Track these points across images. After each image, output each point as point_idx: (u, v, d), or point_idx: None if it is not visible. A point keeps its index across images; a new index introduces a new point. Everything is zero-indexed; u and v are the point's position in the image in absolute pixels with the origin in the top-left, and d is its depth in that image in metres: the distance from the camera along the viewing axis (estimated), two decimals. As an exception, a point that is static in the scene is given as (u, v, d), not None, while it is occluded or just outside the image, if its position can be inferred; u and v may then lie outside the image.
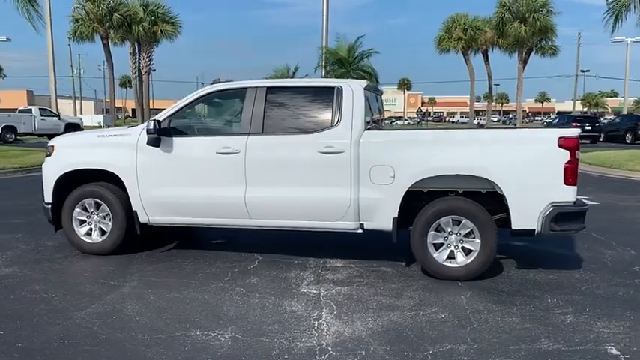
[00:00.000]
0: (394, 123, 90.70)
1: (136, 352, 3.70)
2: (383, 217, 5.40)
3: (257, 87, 5.80)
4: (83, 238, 6.17)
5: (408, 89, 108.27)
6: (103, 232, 6.13)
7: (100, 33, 31.22)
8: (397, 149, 5.38)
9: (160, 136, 5.76)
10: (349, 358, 3.61)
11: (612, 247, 6.57)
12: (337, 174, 5.42)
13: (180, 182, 5.83)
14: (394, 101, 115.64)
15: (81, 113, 54.71)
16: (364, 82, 5.67)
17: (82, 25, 30.56)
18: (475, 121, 61.76)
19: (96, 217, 6.14)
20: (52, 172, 6.20)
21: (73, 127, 34.32)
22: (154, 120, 5.74)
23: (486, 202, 5.33)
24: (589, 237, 7.09)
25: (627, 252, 6.37)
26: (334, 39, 21.32)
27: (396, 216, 5.35)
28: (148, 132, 5.67)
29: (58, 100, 78.77)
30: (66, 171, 6.13)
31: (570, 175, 5.01)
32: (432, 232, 5.29)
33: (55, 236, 6.54)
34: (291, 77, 19.15)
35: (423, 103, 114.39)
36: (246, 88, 5.84)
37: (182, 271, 5.59)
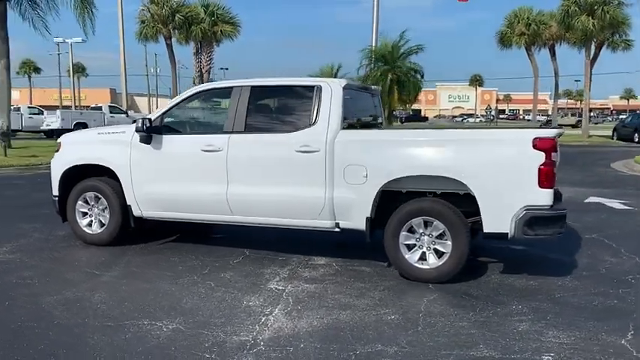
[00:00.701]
0: (465, 120, 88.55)
1: (79, 336, 3.92)
2: (357, 217, 5.38)
3: (242, 86, 5.92)
4: (85, 229, 6.54)
5: (479, 85, 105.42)
6: (102, 224, 6.47)
7: (164, 33, 32.54)
8: (370, 149, 5.35)
9: (150, 133, 6.01)
10: (275, 354, 3.66)
11: (618, 255, 6.20)
12: (313, 173, 5.45)
13: (169, 178, 6.06)
14: (467, 98, 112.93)
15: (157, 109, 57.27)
16: (344, 82, 5.66)
17: (146, 27, 31.96)
18: (542, 119, 59.35)
19: (96, 209, 6.49)
20: (58, 166, 6.61)
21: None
22: (144, 118, 5.99)
23: (463, 204, 5.19)
24: (599, 243, 6.76)
25: (632, 260, 6.00)
26: (393, 36, 21.03)
27: (369, 216, 5.32)
28: (137, 130, 5.94)
29: (137, 97, 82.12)
30: (69, 166, 6.52)
31: (545, 178, 4.80)
32: (404, 232, 5.22)
33: (67, 227, 6.95)
34: (335, 76, 19.16)
35: (497, 100, 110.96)
36: (232, 87, 5.98)
37: (165, 264, 5.82)
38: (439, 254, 5.15)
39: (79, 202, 6.53)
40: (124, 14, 31.07)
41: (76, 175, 6.55)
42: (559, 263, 5.91)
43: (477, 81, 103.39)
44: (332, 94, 5.51)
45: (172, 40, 33.01)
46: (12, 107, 21.58)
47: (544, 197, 4.83)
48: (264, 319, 4.29)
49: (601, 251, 6.36)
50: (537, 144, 4.78)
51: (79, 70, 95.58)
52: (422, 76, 19.77)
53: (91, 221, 6.53)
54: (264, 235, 6.85)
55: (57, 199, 6.65)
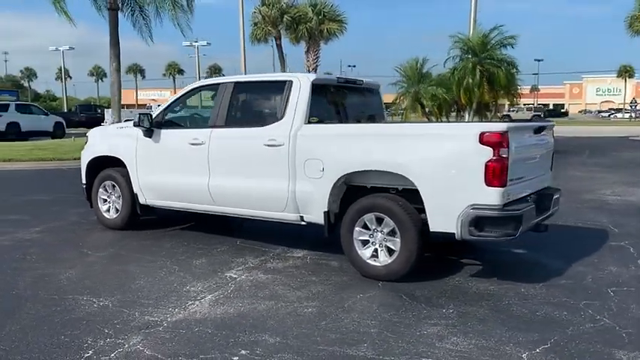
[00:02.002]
0: (612, 116, 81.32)
1: (19, 305, 4.43)
2: (317, 210, 5.40)
3: (227, 82, 6.18)
4: (104, 214, 7.23)
5: (630, 77, 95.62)
6: (117, 210, 7.11)
7: (274, 34, 33.87)
8: (325, 143, 5.34)
9: (150, 128, 6.49)
10: (165, 334, 3.86)
11: (628, 265, 5.53)
12: (278, 166, 5.55)
13: (165, 169, 6.50)
14: (618, 91, 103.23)
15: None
16: (313, 76, 5.67)
17: (257, 29, 33.47)
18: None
19: (113, 197, 7.14)
20: (85, 158, 7.37)
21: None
22: (142, 114, 6.50)
23: (420, 201, 4.99)
24: (620, 251, 6.12)
25: (635, 272, 5.34)
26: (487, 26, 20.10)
27: (327, 210, 5.32)
28: (134, 125, 6.45)
29: None
30: (92, 157, 7.24)
31: (493, 175, 4.47)
32: (357, 228, 5.15)
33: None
34: (419, 70, 18.71)
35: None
36: (219, 83, 6.27)
37: (154, 248, 6.25)
38: (390, 252, 5.01)
39: (100, 190, 7.22)
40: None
41: (100, 165, 7.24)
42: (546, 269, 5.43)
43: (626, 72, 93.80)
44: (300, 89, 5.56)
45: (281, 40, 34.20)
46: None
47: (491, 196, 4.50)
48: (190, 303, 4.51)
49: (612, 260, 5.72)
50: (484, 139, 4.47)
51: (216, 71, 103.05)
52: (517, 70, 18.59)
53: (109, 207, 7.19)
54: (271, 228, 7.02)
55: (85, 186, 7.41)
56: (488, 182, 4.48)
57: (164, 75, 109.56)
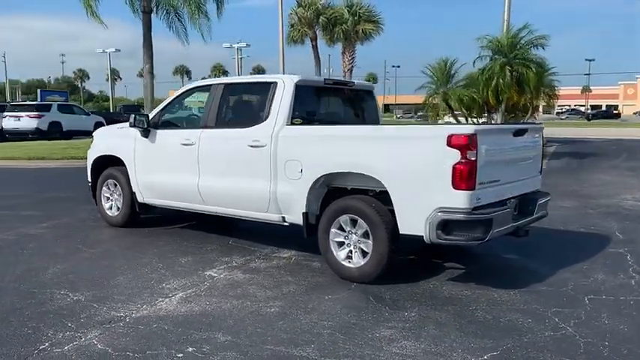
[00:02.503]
0: None
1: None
2: (296, 212, 5.43)
3: (218, 84, 6.29)
4: (107, 212, 7.46)
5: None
6: (118, 208, 7.33)
7: (309, 35, 33.98)
8: (304, 144, 5.36)
9: (146, 128, 6.67)
10: (123, 330, 3.96)
11: (618, 273, 5.34)
12: (261, 167, 5.61)
13: (160, 169, 6.67)
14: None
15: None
16: (297, 77, 5.69)
17: (294, 30, 33.64)
18: None
19: (115, 195, 7.37)
20: (90, 157, 7.64)
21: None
22: (137, 114, 6.68)
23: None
24: (616, 258, 5.93)
25: (628, 280, 5.14)
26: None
27: (305, 211, 5.34)
28: (130, 125, 6.64)
29: None
30: (96, 156, 7.49)
31: (460, 178, 4.40)
32: (333, 229, 5.15)
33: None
34: (447, 69, 18.37)
35: None
36: (211, 85, 6.39)
37: (147, 246, 6.42)
38: (364, 254, 4.99)
39: (104, 189, 7.46)
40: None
41: (103, 164, 7.48)
42: (530, 275, 5.29)
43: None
44: (283, 90, 5.60)
45: (317, 41, 34.27)
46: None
47: (459, 199, 4.43)
48: (159, 300, 4.62)
49: (603, 267, 5.53)
50: (452, 141, 4.40)
51: (259, 72, 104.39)
52: (546, 71, 18.03)
53: (112, 205, 7.42)
54: (265, 228, 7.06)
55: (90, 185, 7.67)
56: (456, 185, 4.41)
57: (209, 76, 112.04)
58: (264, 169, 5.57)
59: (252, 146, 5.64)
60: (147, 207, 7.09)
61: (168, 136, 6.59)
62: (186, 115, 7.03)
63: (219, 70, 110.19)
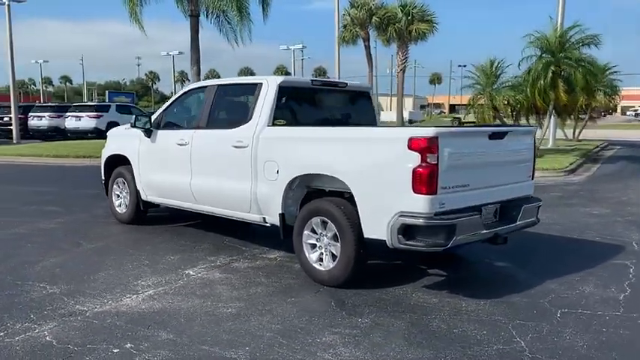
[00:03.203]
0: None
1: (-19, 288, 4.92)
2: (274, 212, 5.43)
3: (212, 85, 6.39)
4: (117, 209, 7.74)
5: None
6: (126, 206, 7.59)
7: (362, 36, 33.88)
8: (280, 145, 5.35)
9: (148, 128, 6.87)
10: (78, 324, 4.09)
11: (609, 287, 5.01)
12: (243, 167, 5.65)
13: (158, 168, 6.85)
14: None
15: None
16: (281, 79, 5.68)
17: (346, 31, 33.63)
18: None
19: (124, 192, 7.63)
20: (103, 156, 7.94)
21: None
22: (138, 115, 6.89)
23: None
24: (618, 270, 5.54)
25: (614, 294, 4.81)
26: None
27: (281, 212, 5.33)
28: (131, 125, 6.85)
29: (381, 97, 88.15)
30: (107, 155, 7.78)
31: (420, 182, 4.25)
32: (306, 231, 5.12)
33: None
34: (494, 70, 17.71)
35: None
36: (206, 86, 6.50)
37: (143, 243, 6.60)
38: (334, 257, 4.92)
39: (114, 186, 7.73)
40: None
41: (115, 163, 7.76)
42: (512, 285, 5.05)
43: None
44: (267, 91, 5.62)
45: (369, 42, 34.15)
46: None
47: (419, 204, 4.28)
48: (127, 296, 4.74)
49: (597, 279, 5.21)
50: (412, 144, 4.27)
51: (321, 73, 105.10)
52: (600, 69, 17.12)
53: (121, 202, 7.68)
54: (267, 230, 7.11)
55: (104, 182, 7.98)
56: (416, 189, 4.27)
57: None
58: (246, 170, 5.60)
59: (236, 147, 5.69)
60: (151, 205, 7.29)
61: (167, 137, 6.75)
62: (185, 116, 7.17)
63: (281, 72, 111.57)
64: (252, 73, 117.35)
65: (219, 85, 6.32)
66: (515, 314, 4.29)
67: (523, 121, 18.62)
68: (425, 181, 4.23)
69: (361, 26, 33.29)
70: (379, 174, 4.51)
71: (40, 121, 27.63)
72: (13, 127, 26.28)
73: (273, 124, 5.55)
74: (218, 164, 6.00)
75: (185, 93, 6.90)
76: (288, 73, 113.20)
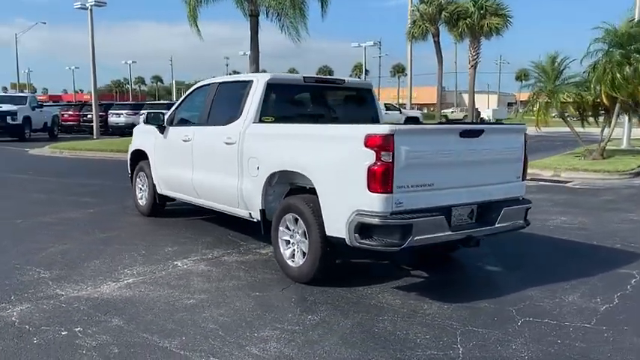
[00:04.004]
0: None
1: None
2: (256, 208, 5.51)
3: (214, 83, 6.57)
4: (139, 201, 8.12)
5: None
6: (146, 198, 7.95)
7: (431, 31, 33.21)
8: (261, 142, 5.41)
9: (162, 125, 7.16)
10: (48, 307, 4.36)
11: (595, 296, 4.68)
12: (231, 163, 5.77)
13: (170, 163, 7.12)
14: None
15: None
16: (268, 76, 5.73)
17: (415, 26, 33.12)
18: None
19: (144, 186, 7.99)
20: (129, 151, 8.35)
21: (412, 121, 37.80)
22: (150, 112, 7.19)
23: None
24: (621, 280, 5.15)
25: (596, 306, 4.49)
26: None
27: (262, 208, 5.41)
28: (143, 122, 7.17)
29: (465, 94, 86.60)
30: (131, 150, 8.18)
31: (375, 180, 4.17)
32: (281, 228, 5.15)
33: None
34: (556, 66, 16.70)
35: None
36: (210, 84, 6.68)
37: (152, 234, 6.91)
38: (304, 254, 4.93)
39: (138, 180, 8.12)
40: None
41: (138, 158, 8.15)
42: (489, 290, 4.83)
43: None
44: (255, 89, 5.70)
45: (439, 37, 33.40)
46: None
47: (374, 202, 4.20)
48: (107, 283, 4.98)
49: (588, 288, 4.89)
50: (368, 141, 4.19)
51: (400, 70, 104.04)
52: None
53: (142, 195, 8.06)
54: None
55: (130, 176, 8.40)
56: (371, 188, 4.19)
57: (350, 75, 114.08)
58: (234, 166, 5.72)
59: (226, 143, 5.82)
60: (166, 198, 7.59)
61: (176, 133, 7.00)
62: (191, 113, 7.38)
63: (359, 69, 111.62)
64: (330, 72, 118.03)
65: (219, 83, 6.49)
66: (472, 320, 4.11)
67: (591, 119, 17.53)
68: (379, 179, 4.15)
69: (430, 22, 32.67)
70: (339, 171, 4.46)
71: (118, 118, 29.38)
72: (93, 124, 28.13)
73: (261, 121, 5.63)
74: (212, 160, 6.16)
75: (193, 91, 7.13)
76: (367, 71, 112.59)
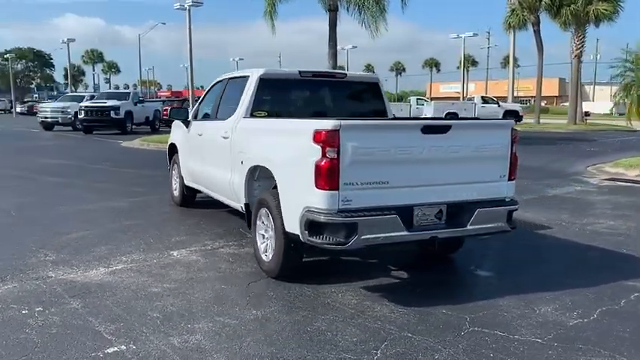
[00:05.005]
0: None
1: None
2: (243, 202, 5.60)
3: (224, 78, 6.74)
4: (173, 192, 8.53)
5: None
6: (177, 190, 8.33)
7: (531, 20, 31.28)
8: (245, 137, 5.47)
9: (185, 119, 7.48)
10: (29, 287, 4.75)
11: (575, 309, 4.25)
12: (226, 157, 5.91)
13: (190, 156, 7.42)
14: None
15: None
16: (262, 70, 5.76)
17: (512, 15, 31.38)
18: None
19: (177, 178, 8.38)
20: (168, 144, 8.79)
21: (511, 114, 36.11)
22: (174, 108, 7.51)
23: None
24: (619, 291, 4.65)
25: (567, 320, 4.08)
26: None
27: (246, 202, 5.48)
28: (169, 117, 7.50)
29: (590, 87, 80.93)
30: (168, 144, 8.61)
31: (320, 176, 4.08)
32: (258, 222, 5.20)
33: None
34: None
35: None
36: (224, 79, 6.85)
37: (173, 223, 7.26)
38: (273, 249, 4.94)
39: (173, 172, 8.53)
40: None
41: (173, 150, 8.55)
42: (458, 296, 4.57)
43: None
44: (250, 83, 5.78)
45: (539, 26, 31.40)
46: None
47: (320, 199, 4.12)
48: (98, 268, 5.29)
49: (575, 300, 4.46)
50: (315, 137, 4.11)
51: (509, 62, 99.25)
52: None
53: (176, 187, 8.45)
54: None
55: (168, 169, 8.84)
56: (318, 184, 4.11)
57: (457, 68, 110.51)
58: (227, 159, 5.85)
59: (223, 137, 5.96)
60: (193, 189, 7.89)
61: (195, 127, 7.27)
62: (208, 108, 7.59)
63: (468, 61, 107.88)
64: (437, 64, 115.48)
65: (228, 79, 6.64)
66: (415, 326, 3.91)
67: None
68: (324, 175, 4.06)
69: (530, 10, 30.81)
70: (293, 167, 4.42)
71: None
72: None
73: (252, 116, 5.69)
74: (214, 153, 6.34)
75: (212, 86, 7.33)
76: (475, 62, 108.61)
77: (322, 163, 4.05)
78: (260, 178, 5.38)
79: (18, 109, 60.94)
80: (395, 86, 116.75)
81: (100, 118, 26.00)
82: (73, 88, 69.29)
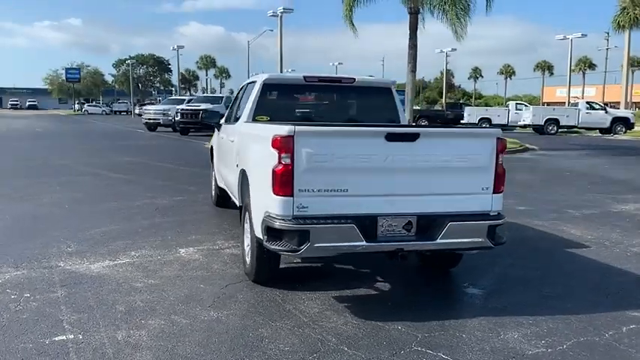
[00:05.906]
0: None
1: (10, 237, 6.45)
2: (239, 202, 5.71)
3: (246, 83, 6.90)
4: (212, 192, 8.85)
5: None
6: (214, 191, 8.64)
7: (642, 19, 28.72)
8: (240, 141, 5.55)
9: (217, 123, 7.75)
10: (34, 274, 5.16)
11: (555, 336, 3.89)
12: (233, 160, 6.04)
13: (218, 158, 7.67)
14: None
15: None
16: (265, 76, 5.82)
17: (622, 14, 28.94)
18: None
19: (214, 179, 8.68)
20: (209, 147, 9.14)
21: (621, 121, 33.54)
22: (205, 110, 7.79)
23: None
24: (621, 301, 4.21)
25: (524, 346, 3.74)
26: None
27: (240, 204, 5.58)
28: (200, 119, 7.79)
29: None
30: (210, 147, 8.94)
31: (275, 182, 4.07)
32: (245, 224, 5.27)
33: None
34: None
35: None
36: (244, 84, 7.02)
37: (199, 222, 7.48)
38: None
39: (213, 173, 8.86)
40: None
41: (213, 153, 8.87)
42: (430, 314, 4.32)
43: None
44: (254, 88, 5.89)
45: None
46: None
47: (276, 205, 4.11)
48: (103, 261, 5.64)
49: (559, 327, 4.08)
50: (273, 143, 4.11)
51: (637, 64, 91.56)
52: None
53: (214, 187, 8.76)
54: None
55: (211, 170, 9.19)
56: (274, 190, 4.10)
57: (573, 71, 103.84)
58: (234, 162, 5.98)
59: (231, 141, 6.12)
60: (224, 190, 8.13)
61: (222, 130, 7.49)
62: (233, 112, 7.74)
63: (585, 64, 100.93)
64: (549, 67, 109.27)
65: (247, 83, 6.78)
66: (357, 341, 3.78)
67: None
68: (279, 181, 4.04)
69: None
70: (260, 172, 4.44)
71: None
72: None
73: (255, 121, 5.78)
74: (227, 156, 6.50)
75: (238, 90, 7.53)
76: (592, 65, 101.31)
77: (277, 169, 4.03)
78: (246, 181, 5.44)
79: (136, 111, 65.98)
80: (504, 90, 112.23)
81: (194, 120, 27.46)
82: (188, 91, 73.69)
